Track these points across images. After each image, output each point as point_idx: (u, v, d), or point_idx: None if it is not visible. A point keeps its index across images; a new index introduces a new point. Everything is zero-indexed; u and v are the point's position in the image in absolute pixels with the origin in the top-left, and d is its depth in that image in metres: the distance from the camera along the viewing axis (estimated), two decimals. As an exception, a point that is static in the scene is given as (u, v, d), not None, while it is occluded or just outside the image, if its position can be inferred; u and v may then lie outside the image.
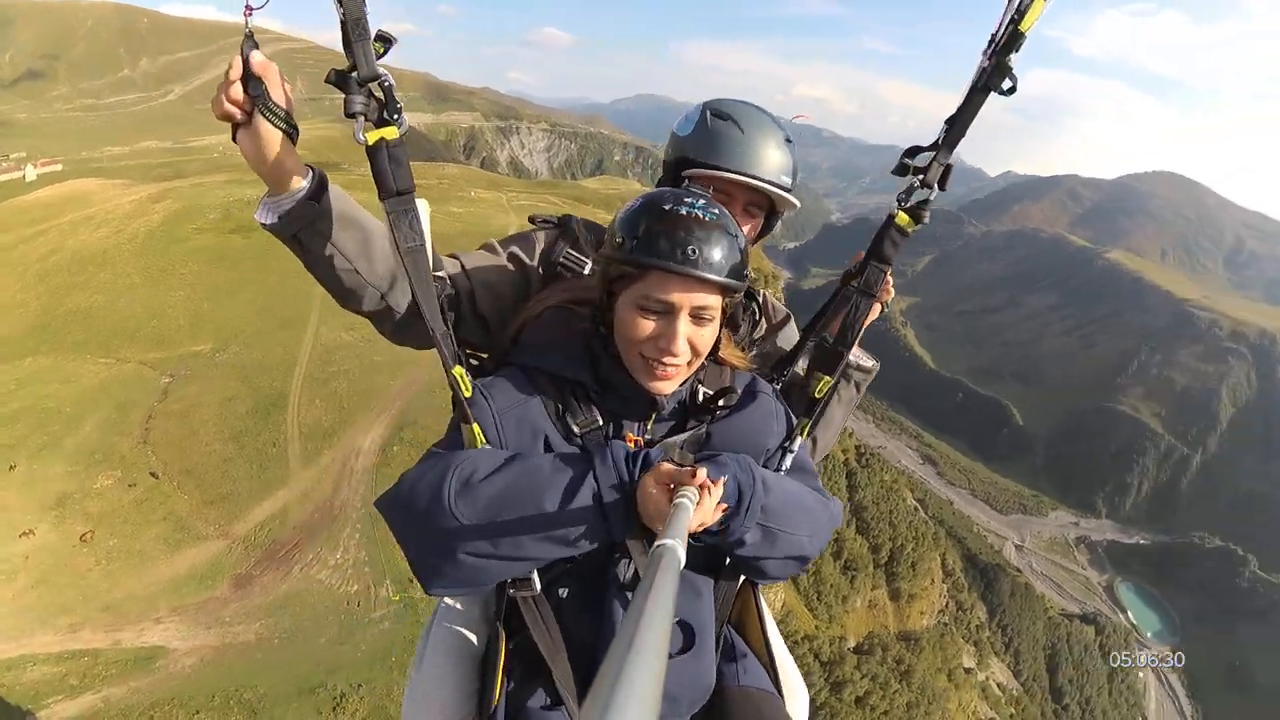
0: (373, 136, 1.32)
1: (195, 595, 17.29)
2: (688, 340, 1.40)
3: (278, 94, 1.32)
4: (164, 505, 20.39)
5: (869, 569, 57.85)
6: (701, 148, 1.92)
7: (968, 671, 58.93)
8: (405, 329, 1.72)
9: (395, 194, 1.38)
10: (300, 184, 1.43)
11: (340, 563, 17.77)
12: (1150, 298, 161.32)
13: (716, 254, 1.34)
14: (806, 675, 47.76)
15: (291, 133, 1.37)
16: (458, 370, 1.46)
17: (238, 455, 21.95)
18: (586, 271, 1.88)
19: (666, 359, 1.41)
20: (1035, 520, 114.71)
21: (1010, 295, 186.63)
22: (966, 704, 52.77)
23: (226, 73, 1.30)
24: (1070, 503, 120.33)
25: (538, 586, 1.50)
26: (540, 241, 1.95)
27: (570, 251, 1.90)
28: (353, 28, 1.26)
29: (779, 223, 2.08)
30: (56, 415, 26.76)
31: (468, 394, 1.46)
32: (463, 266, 1.83)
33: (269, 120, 1.32)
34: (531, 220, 2.04)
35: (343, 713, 13.87)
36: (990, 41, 1.52)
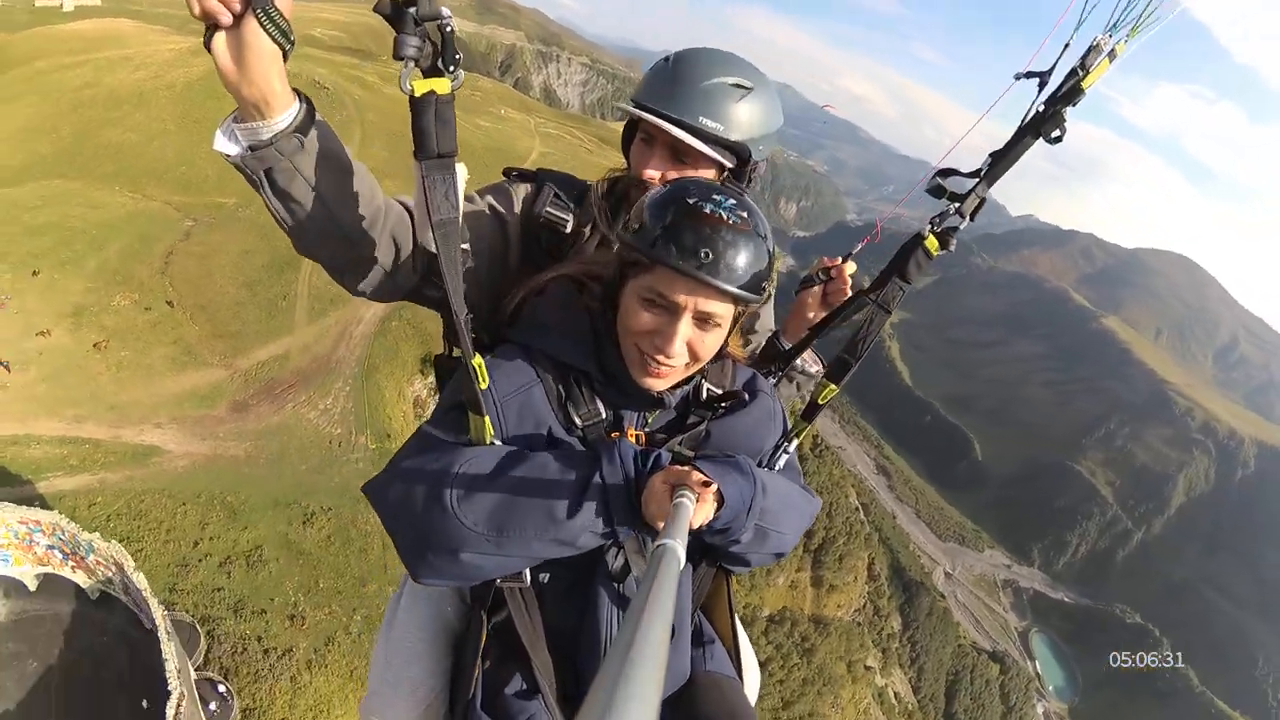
0: (421, 87, 1.14)
1: (194, 410, 19.03)
2: (686, 343, 1.35)
3: None
4: (175, 331, 21.93)
5: (798, 551, 59.32)
6: (638, 90, 1.80)
7: (868, 668, 61.39)
8: (370, 284, 1.59)
9: (436, 156, 1.21)
10: (286, 111, 1.22)
11: (329, 408, 19.60)
12: (1134, 371, 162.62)
13: (734, 261, 1.26)
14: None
15: (287, 48, 1.15)
16: (477, 360, 1.36)
17: (249, 301, 23.44)
18: (569, 230, 1.82)
19: (660, 357, 1.36)
20: (970, 553, 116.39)
21: (1002, 335, 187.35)
22: (859, 699, 54.71)
23: None
24: (1007, 545, 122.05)
25: (528, 579, 1.49)
26: (518, 195, 1.85)
27: (550, 210, 1.81)
28: None
29: (754, 184, 1.89)
30: (81, 235, 27.65)
31: (484, 385, 1.38)
32: None
33: (265, 30, 1.10)
34: (506, 173, 1.92)
35: (311, 527, 15.91)
36: (1040, 83, 1.52)
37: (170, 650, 14.87)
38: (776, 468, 1.69)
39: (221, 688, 18.65)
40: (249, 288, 24.10)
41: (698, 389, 1.56)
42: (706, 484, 1.24)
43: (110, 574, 17.01)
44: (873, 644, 67.08)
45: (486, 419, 1.38)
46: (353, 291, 1.63)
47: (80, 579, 17.79)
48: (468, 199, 1.80)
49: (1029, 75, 1.53)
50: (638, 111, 1.73)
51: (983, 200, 1.70)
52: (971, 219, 1.72)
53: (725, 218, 1.27)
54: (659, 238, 1.27)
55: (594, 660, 1.50)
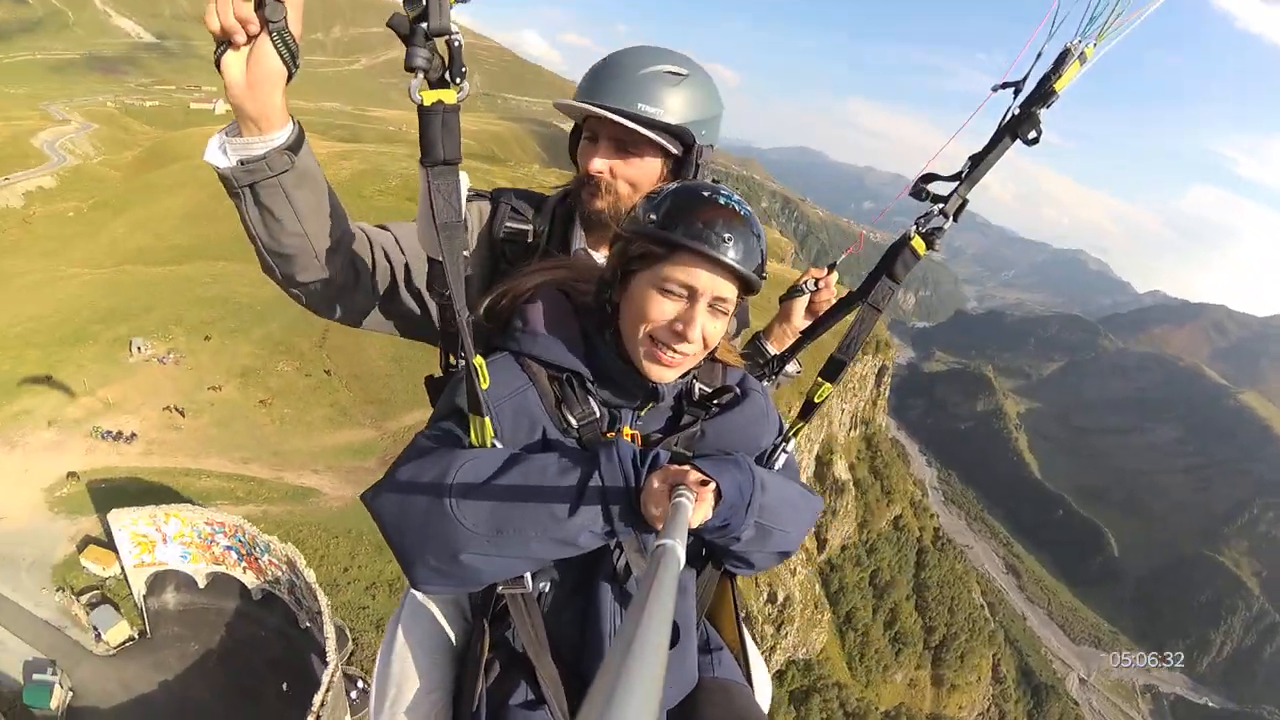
0: (429, 98, 1.19)
1: (348, 462, 21.12)
2: (701, 329, 1.37)
3: (295, 23, 1.21)
4: (332, 395, 24.49)
5: (918, 647, 57.36)
6: (576, 92, 1.81)
7: (992, 775, 57.24)
8: (331, 303, 1.68)
9: (441, 163, 1.25)
10: (281, 130, 1.34)
11: (468, 469, 21.47)
12: (1275, 450, 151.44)
13: (746, 246, 1.33)
14: (828, 719, 47.84)
15: (293, 70, 1.27)
16: (479, 360, 1.35)
17: (397, 373, 25.68)
18: (530, 241, 1.87)
19: (678, 345, 1.37)
20: (1106, 656, 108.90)
21: (1134, 420, 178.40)
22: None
23: None
24: (1146, 646, 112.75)
25: (530, 585, 1.47)
26: (474, 215, 1.88)
27: (510, 225, 1.86)
28: None
29: (703, 172, 1.84)
30: (247, 309, 30.98)
31: (486, 385, 1.37)
32: (396, 238, 1.77)
33: (277, 50, 1.22)
34: None
35: (452, 565, 17.32)
36: (1015, 90, 1.58)
37: (330, 631, 16.42)
38: (775, 468, 1.70)
39: (361, 683, 20.25)
40: (396, 362, 26.64)
41: (690, 388, 1.57)
42: (704, 482, 1.25)
43: (279, 573, 18.97)
44: (998, 752, 62.53)
45: (487, 420, 1.37)
46: (315, 311, 1.71)
47: (249, 579, 19.96)
48: None
49: (1004, 86, 1.60)
50: (580, 105, 1.72)
51: (965, 201, 1.73)
52: (955, 220, 1.75)
53: (736, 210, 1.36)
54: (676, 226, 1.32)
55: (598, 662, 1.48)
